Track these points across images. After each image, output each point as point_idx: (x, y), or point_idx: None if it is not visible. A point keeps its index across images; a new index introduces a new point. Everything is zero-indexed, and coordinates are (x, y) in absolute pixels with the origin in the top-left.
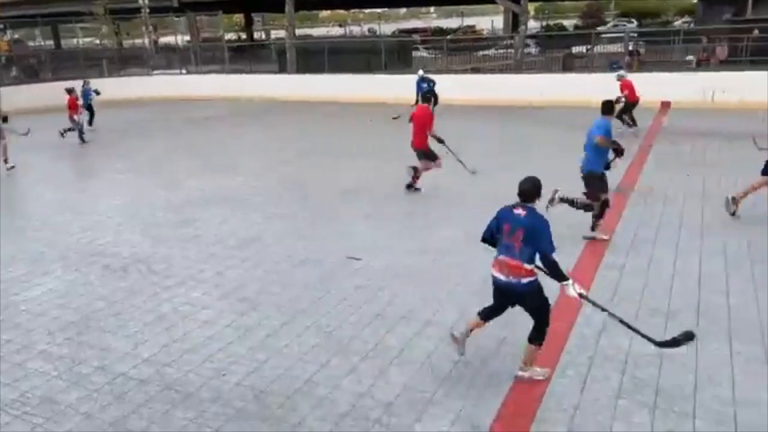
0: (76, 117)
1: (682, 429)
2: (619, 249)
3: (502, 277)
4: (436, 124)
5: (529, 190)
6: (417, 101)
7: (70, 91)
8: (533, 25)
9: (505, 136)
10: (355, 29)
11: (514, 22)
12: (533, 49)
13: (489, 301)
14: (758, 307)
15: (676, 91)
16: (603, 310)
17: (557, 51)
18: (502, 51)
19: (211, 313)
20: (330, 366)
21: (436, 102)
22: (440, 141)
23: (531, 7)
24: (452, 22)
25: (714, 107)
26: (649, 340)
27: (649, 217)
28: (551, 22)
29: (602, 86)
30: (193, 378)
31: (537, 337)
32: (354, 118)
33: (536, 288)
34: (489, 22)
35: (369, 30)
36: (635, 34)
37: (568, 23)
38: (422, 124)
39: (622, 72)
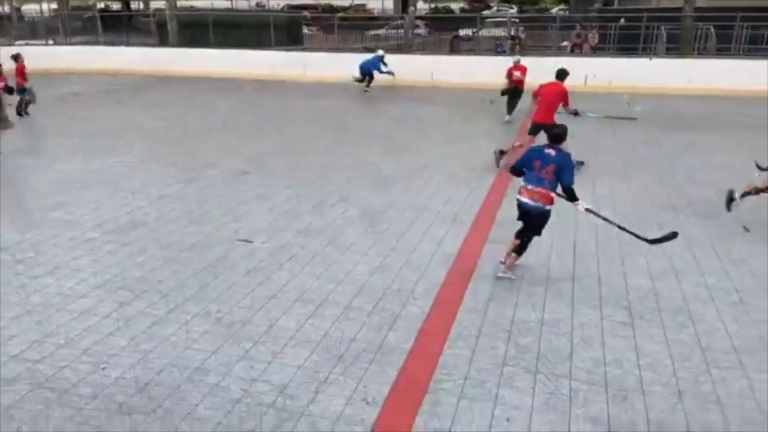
0: (27, 85)
1: (559, 390)
2: (503, 223)
3: (530, 202)
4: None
5: (558, 134)
6: (366, 80)
7: (16, 57)
8: (422, 7)
9: (401, 116)
10: (242, 2)
11: (404, 2)
12: (422, 30)
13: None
14: (624, 273)
15: (553, 74)
16: (604, 219)
17: (445, 33)
18: (392, 31)
19: (87, 303)
20: (221, 353)
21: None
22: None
23: None
24: (343, 0)
25: (586, 90)
26: (643, 239)
27: None
28: (439, 5)
29: (489, 68)
30: (68, 374)
31: (521, 250)
32: (242, 95)
33: (549, 215)
34: (380, 1)
35: (258, 4)
36: (516, 20)
37: (456, 6)
38: (555, 101)
39: (518, 57)
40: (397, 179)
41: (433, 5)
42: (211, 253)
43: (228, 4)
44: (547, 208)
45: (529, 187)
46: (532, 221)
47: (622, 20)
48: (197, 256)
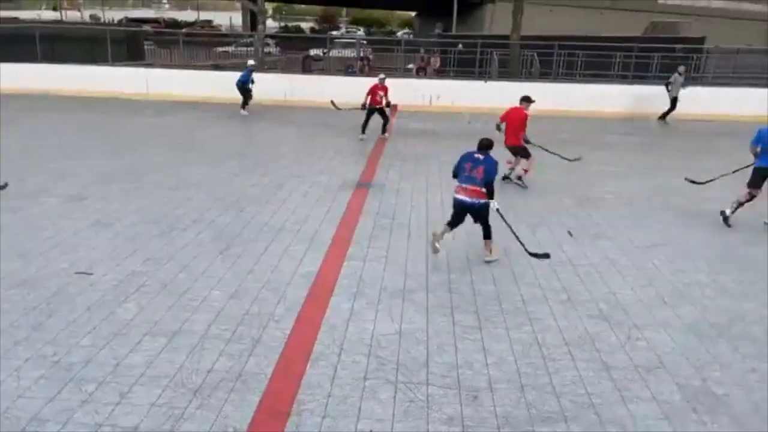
0: None
1: (418, 397)
2: (361, 240)
3: (468, 199)
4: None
5: (486, 144)
6: (246, 92)
7: None
8: (271, 25)
9: (253, 134)
10: (74, 14)
11: (253, 20)
12: (273, 49)
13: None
14: (472, 281)
15: (402, 95)
16: (507, 224)
17: (296, 52)
18: (242, 49)
19: None
20: (60, 399)
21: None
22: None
23: (269, 7)
24: (187, 15)
25: (432, 110)
26: (526, 250)
27: (385, 209)
28: (289, 24)
29: (341, 88)
30: None
31: (487, 234)
32: (76, 113)
33: (487, 206)
34: (227, 18)
35: (91, 16)
36: (365, 42)
37: (306, 26)
38: (518, 125)
39: (383, 75)
40: (251, 199)
41: (282, 24)
42: (44, 289)
43: (57, 15)
44: (483, 201)
45: (464, 185)
46: (475, 214)
47: (460, 46)
48: (28, 294)
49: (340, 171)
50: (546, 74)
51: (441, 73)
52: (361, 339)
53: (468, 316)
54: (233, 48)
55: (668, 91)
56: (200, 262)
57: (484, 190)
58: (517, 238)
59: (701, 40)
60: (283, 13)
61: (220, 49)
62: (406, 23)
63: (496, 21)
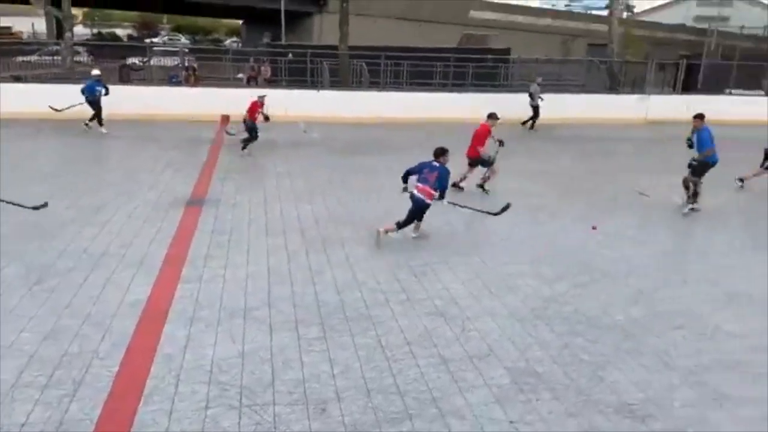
0: None
1: (264, 418)
2: (196, 260)
3: (420, 195)
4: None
5: (439, 152)
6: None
7: None
8: (83, 32)
9: (67, 151)
10: None
11: (59, 27)
12: (84, 58)
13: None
14: (315, 292)
15: (233, 105)
16: (462, 206)
17: (112, 61)
18: (47, 58)
19: None
20: None
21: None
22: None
23: (79, 12)
24: None
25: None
26: (487, 212)
27: (221, 225)
28: (103, 30)
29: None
30: None
31: (401, 226)
32: None
33: (428, 206)
34: (30, 24)
35: None
36: (187, 50)
37: (123, 33)
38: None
39: (262, 93)
40: (66, 224)
41: (96, 31)
42: None
43: None
44: (428, 201)
45: (420, 185)
46: (416, 208)
47: (290, 55)
48: None
49: (170, 187)
50: (375, 83)
51: (272, 83)
52: (200, 366)
53: (313, 328)
54: (36, 57)
55: (531, 99)
56: (6, 300)
57: (433, 191)
58: (480, 210)
59: (507, 51)
60: (96, 19)
61: (21, 58)
62: (234, 31)
63: (325, 31)
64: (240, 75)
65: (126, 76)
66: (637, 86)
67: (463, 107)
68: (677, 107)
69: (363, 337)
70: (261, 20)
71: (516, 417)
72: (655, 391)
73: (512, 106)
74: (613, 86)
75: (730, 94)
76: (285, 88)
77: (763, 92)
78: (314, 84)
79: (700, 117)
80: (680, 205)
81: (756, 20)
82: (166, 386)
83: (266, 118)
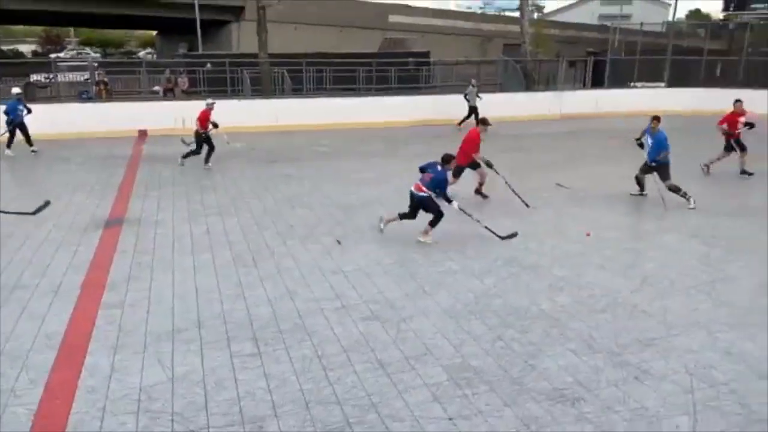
0: None
1: None
2: (118, 284)
3: (414, 190)
4: None
5: (446, 159)
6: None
7: None
8: None
9: None
10: None
11: None
12: None
13: None
14: (247, 307)
15: (150, 119)
16: (473, 219)
17: (14, 79)
18: None
19: None
20: None
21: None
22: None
23: None
24: None
25: (187, 132)
26: (494, 233)
27: (143, 245)
28: (5, 48)
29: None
30: None
31: (434, 222)
32: None
33: (426, 199)
34: None
35: None
36: (96, 64)
37: (27, 48)
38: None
39: (210, 100)
40: None
41: None
42: None
43: None
44: (420, 194)
45: (417, 183)
46: (412, 201)
47: (209, 65)
48: None
49: (84, 208)
50: (298, 90)
51: (191, 94)
52: (127, 395)
53: (246, 344)
54: None
55: (467, 101)
56: None
57: (424, 188)
58: (487, 227)
59: (427, 54)
60: None
61: None
62: (148, 43)
63: (243, 39)
64: (156, 88)
65: (31, 95)
66: (550, 83)
67: (387, 111)
68: (588, 102)
69: (298, 349)
70: (176, 30)
71: (454, 413)
72: (583, 374)
73: (436, 107)
74: (529, 84)
75: (635, 87)
76: (204, 98)
77: (663, 84)
78: (235, 93)
79: (657, 119)
80: (634, 195)
81: (655, 17)
82: (90, 420)
83: (215, 125)
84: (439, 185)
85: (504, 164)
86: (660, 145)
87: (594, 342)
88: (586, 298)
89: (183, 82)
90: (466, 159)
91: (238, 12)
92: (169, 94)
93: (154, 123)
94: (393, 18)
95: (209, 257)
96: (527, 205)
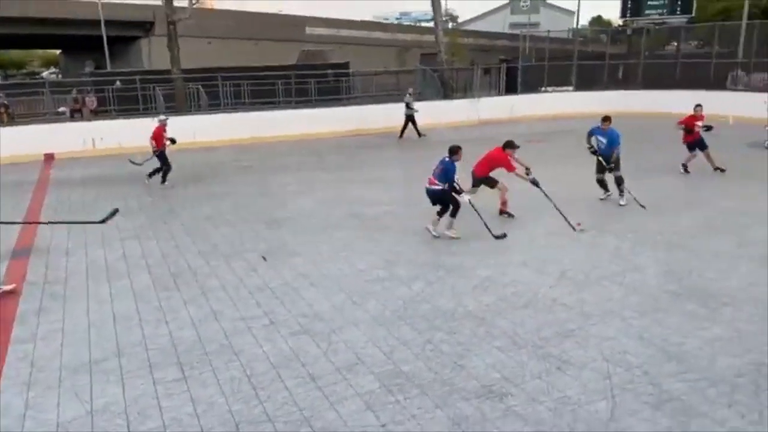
0: None
1: None
2: (28, 317)
3: (427, 186)
4: None
5: (452, 150)
6: None
7: None
8: None
9: None
10: None
11: None
12: None
13: None
14: (170, 331)
15: (56, 142)
16: (476, 212)
17: None
18: None
19: None
20: None
21: None
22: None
23: None
24: None
25: (98, 154)
26: (490, 231)
27: (55, 274)
28: None
29: None
30: None
31: (454, 213)
32: None
33: (440, 192)
34: None
35: None
36: None
37: None
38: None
39: (162, 116)
40: None
41: None
42: None
43: None
44: (436, 188)
45: (430, 177)
46: (432, 197)
47: (118, 83)
48: None
49: None
50: (215, 105)
51: (100, 114)
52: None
53: (170, 369)
54: None
55: (412, 110)
56: None
57: (437, 181)
58: (485, 224)
59: (346, 65)
60: None
61: None
62: (51, 62)
63: (154, 55)
64: (62, 108)
65: None
66: (467, 91)
67: (308, 123)
68: (504, 107)
69: (226, 370)
70: (82, 48)
71: (387, 419)
72: (509, 369)
73: (358, 117)
74: (447, 92)
75: (546, 91)
76: (114, 118)
77: (572, 87)
78: (147, 111)
79: (608, 119)
80: (602, 199)
81: (561, 24)
82: None
83: (172, 141)
84: (447, 176)
85: (422, 172)
86: (613, 143)
87: (518, 338)
88: (510, 296)
89: (91, 101)
90: (482, 171)
91: (147, 27)
92: (77, 114)
93: (61, 146)
94: (310, 30)
95: (127, 283)
96: (574, 229)
